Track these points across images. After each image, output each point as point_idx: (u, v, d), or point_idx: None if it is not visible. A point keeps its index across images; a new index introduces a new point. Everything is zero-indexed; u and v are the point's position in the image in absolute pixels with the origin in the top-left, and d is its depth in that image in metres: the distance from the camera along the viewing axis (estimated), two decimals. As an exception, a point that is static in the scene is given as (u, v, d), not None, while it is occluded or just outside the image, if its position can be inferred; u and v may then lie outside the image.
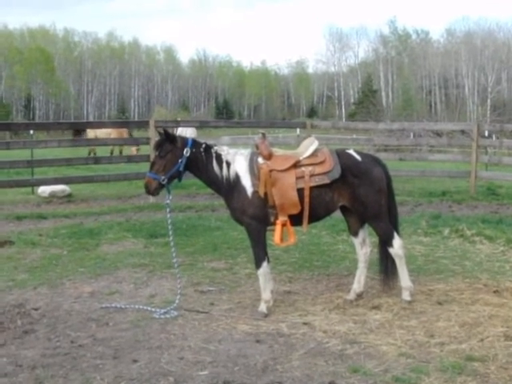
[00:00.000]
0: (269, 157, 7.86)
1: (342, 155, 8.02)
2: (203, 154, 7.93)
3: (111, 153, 30.60)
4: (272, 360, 6.31)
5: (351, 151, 8.23)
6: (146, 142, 18.27)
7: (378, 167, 8.13)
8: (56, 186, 18.18)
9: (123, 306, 8.09)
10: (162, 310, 7.84)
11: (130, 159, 22.36)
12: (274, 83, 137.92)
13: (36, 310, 8.01)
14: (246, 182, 7.80)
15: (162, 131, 7.96)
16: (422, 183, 21.42)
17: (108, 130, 28.72)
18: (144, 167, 15.55)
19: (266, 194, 7.71)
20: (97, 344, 6.82)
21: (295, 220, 7.84)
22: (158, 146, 7.93)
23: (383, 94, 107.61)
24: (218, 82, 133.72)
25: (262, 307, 7.81)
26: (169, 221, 8.30)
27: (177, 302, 7.99)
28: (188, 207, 16.11)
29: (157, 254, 10.95)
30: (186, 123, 27.98)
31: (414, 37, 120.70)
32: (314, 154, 7.98)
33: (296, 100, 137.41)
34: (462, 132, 32.86)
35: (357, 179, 7.88)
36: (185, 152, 7.81)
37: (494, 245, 11.47)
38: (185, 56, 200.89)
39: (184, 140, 7.96)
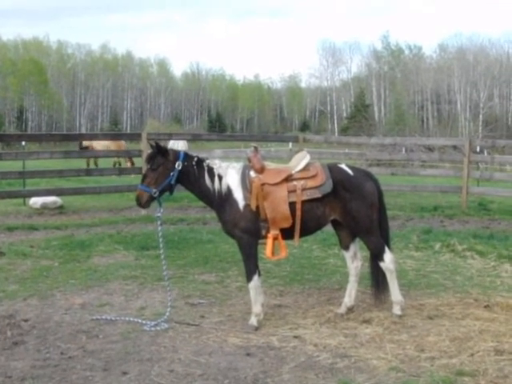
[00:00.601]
0: (261, 170, 7.87)
1: (333, 169, 8.04)
2: (195, 167, 7.93)
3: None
4: (262, 373, 6.30)
5: (343, 165, 8.25)
6: (138, 154, 18.29)
7: (369, 182, 8.15)
8: (47, 198, 18.15)
9: (114, 318, 8.07)
10: (153, 323, 7.83)
11: (122, 172, 22.40)
12: (267, 97, 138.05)
13: (26, 321, 7.98)
14: (238, 195, 7.80)
15: (154, 144, 7.96)
16: (413, 198, 21.47)
17: (106, 143, 28.68)
18: (136, 180, 15.55)
19: (257, 207, 7.72)
20: (87, 356, 6.80)
21: (287, 234, 7.85)
22: (150, 158, 7.94)
23: (376, 108, 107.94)
24: (211, 95, 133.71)
25: (253, 320, 7.80)
26: (160, 233, 8.30)
27: (167, 314, 7.98)
28: (180, 220, 16.10)
29: (148, 266, 10.94)
30: (179, 136, 27.97)
31: (406, 52, 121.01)
32: (306, 168, 8.00)
33: (289, 114, 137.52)
34: (454, 147, 33.03)
35: (348, 193, 7.89)
36: (176, 165, 7.82)
37: (485, 260, 11.50)
38: (178, 69, 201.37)
39: (176, 153, 7.96)
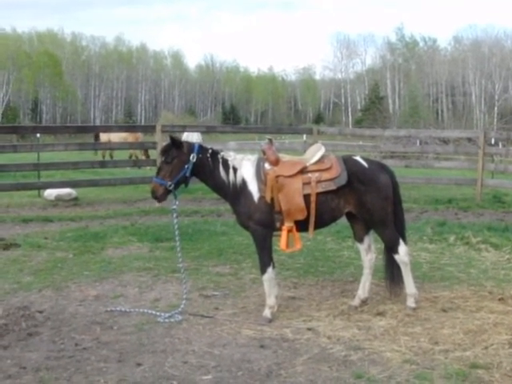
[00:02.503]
0: (276, 162, 7.87)
1: (348, 162, 8.02)
2: (210, 159, 7.93)
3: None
4: (276, 365, 6.31)
5: (358, 158, 8.23)
6: (153, 146, 18.35)
7: (384, 174, 8.13)
8: (62, 190, 18.21)
9: (128, 310, 8.10)
10: (167, 314, 7.85)
11: (136, 163, 22.47)
12: (281, 89, 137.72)
13: (41, 312, 8.02)
14: (253, 187, 7.80)
15: (173, 137, 7.97)
16: (427, 190, 21.39)
17: (124, 135, 28.72)
18: (152, 172, 15.48)
19: (272, 199, 7.71)
20: (101, 347, 6.83)
21: (301, 226, 7.84)
22: (164, 151, 7.94)
23: (390, 101, 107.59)
24: (225, 87, 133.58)
25: (267, 312, 7.81)
26: (176, 226, 8.30)
27: (182, 306, 8.00)
28: (194, 212, 16.12)
29: (162, 258, 10.96)
30: (193, 128, 27.99)
31: (421, 44, 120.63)
32: (321, 160, 7.99)
33: (303, 106, 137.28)
34: (469, 140, 32.92)
35: (363, 186, 7.88)
36: (191, 157, 7.81)
37: (500, 252, 11.45)
38: (192, 61, 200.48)
39: (190, 145, 7.95)
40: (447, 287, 9.21)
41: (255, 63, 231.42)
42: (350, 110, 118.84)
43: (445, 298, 8.67)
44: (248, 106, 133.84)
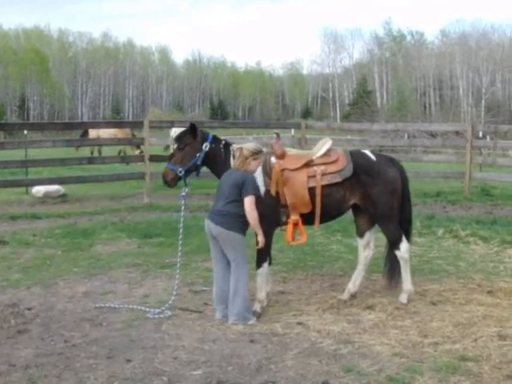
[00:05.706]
0: (282, 156, 7.94)
1: (355, 155, 8.16)
2: (222, 150, 8.06)
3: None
4: (266, 360, 6.31)
5: (366, 151, 8.33)
6: (141, 142, 18.31)
7: (393, 168, 8.22)
8: (50, 186, 18.15)
9: (117, 306, 8.09)
10: (156, 310, 7.85)
11: (124, 159, 22.40)
12: (269, 84, 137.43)
13: (30, 309, 8.00)
14: (259, 180, 7.81)
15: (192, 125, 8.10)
16: (416, 184, 21.29)
17: (112, 131, 28.61)
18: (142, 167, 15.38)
19: (277, 193, 7.75)
20: (91, 344, 6.82)
21: (307, 219, 7.88)
22: (179, 138, 8.13)
23: (378, 95, 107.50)
24: (213, 82, 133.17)
25: (256, 307, 7.82)
26: (182, 213, 8.35)
27: (171, 302, 7.98)
28: (182, 207, 16.07)
29: (151, 254, 10.96)
30: (181, 124, 27.96)
31: (408, 38, 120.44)
32: (327, 153, 8.07)
33: (291, 101, 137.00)
34: (457, 133, 32.88)
35: (369, 178, 7.94)
36: (204, 146, 7.98)
37: (488, 245, 11.52)
38: (179, 57, 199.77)
39: (204, 135, 8.11)
40: (436, 280, 9.26)
41: (243, 58, 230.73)
42: (337, 104, 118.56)
43: (434, 291, 8.71)
44: (236, 101, 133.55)
